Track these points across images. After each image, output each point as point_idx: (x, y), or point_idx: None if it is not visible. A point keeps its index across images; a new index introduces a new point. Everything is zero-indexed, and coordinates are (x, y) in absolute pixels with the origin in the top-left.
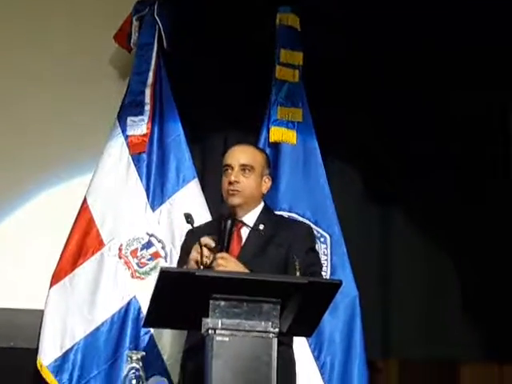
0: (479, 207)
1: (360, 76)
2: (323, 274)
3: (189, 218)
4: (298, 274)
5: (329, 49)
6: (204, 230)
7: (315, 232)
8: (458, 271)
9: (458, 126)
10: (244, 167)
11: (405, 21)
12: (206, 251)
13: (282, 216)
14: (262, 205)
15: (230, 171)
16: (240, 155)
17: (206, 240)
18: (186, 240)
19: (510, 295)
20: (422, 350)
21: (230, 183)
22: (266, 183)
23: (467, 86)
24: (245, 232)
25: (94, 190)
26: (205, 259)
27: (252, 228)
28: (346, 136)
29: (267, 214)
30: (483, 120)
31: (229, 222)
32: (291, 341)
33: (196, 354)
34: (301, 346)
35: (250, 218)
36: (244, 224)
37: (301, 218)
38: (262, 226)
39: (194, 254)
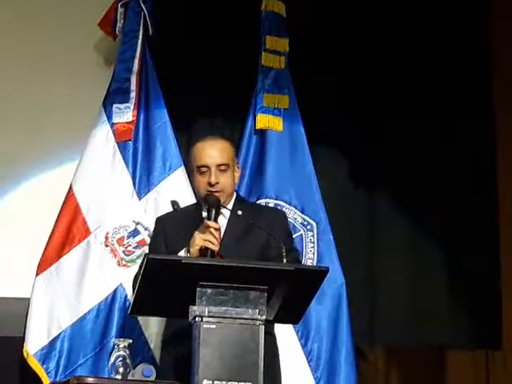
0: (466, 191)
1: (346, 62)
2: (310, 261)
3: (175, 205)
4: (284, 261)
5: (314, 35)
6: (175, 217)
7: (301, 219)
8: (445, 257)
9: (446, 106)
10: (221, 167)
11: (392, 9)
12: (217, 234)
13: (255, 203)
14: (234, 194)
15: (207, 172)
16: (215, 154)
17: (212, 223)
18: (156, 228)
19: (497, 282)
20: (409, 337)
21: (211, 184)
22: (238, 173)
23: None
24: (222, 220)
25: (80, 177)
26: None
27: (231, 211)
28: (333, 122)
29: (241, 202)
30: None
31: (213, 210)
32: (272, 328)
33: (176, 343)
34: (288, 334)
35: (227, 206)
36: (225, 208)
37: (287, 206)
38: (240, 212)
39: (200, 241)
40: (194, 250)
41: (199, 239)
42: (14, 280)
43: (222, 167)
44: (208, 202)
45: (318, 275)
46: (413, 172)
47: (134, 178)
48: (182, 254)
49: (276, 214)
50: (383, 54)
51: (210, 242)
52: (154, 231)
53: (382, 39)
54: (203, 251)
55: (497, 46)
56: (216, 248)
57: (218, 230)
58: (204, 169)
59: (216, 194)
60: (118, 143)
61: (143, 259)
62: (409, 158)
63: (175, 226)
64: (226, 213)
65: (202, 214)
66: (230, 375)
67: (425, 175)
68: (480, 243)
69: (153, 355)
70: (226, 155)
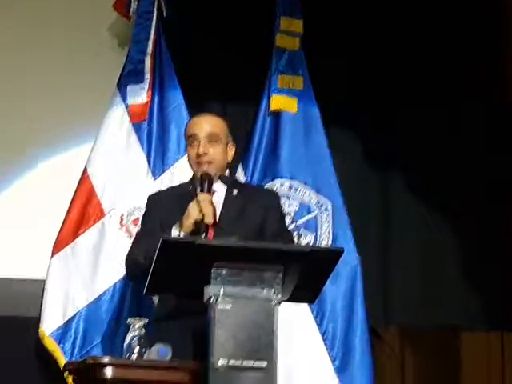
0: (480, 170)
1: (360, 43)
2: (324, 242)
3: (190, 185)
4: (297, 242)
5: (329, 16)
6: (167, 194)
7: (317, 200)
8: (459, 237)
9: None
10: (211, 138)
11: None
12: (211, 207)
13: (248, 183)
14: (227, 172)
15: (196, 143)
16: (205, 125)
17: (206, 196)
18: (148, 206)
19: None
20: (424, 318)
21: (199, 155)
22: (231, 150)
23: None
24: (217, 197)
25: (95, 159)
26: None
27: (226, 190)
28: (347, 103)
29: (235, 181)
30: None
31: (206, 184)
32: None
33: (164, 325)
34: (303, 313)
35: (220, 186)
36: (221, 182)
37: (302, 186)
38: (235, 192)
39: (195, 214)
40: (189, 223)
41: (194, 212)
42: (30, 261)
43: (213, 139)
44: (202, 177)
45: (333, 256)
46: (427, 152)
47: (148, 158)
48: (175, 228)
49: (270, 194)
50: (397, 33)
51: (205, 214)
52: (145, 209)
53: (396, 20)
54: (197, 224)
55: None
56: (211, 221)
57: (212, 203)
58: (194, 140)
59: (204, 165)
60: (132, 124)
61: (136, 236)
62: (422, 139)
63: (168, 203)
64: (221, 192)
65: (195, 190)
66: (246, 355)
67: (439, 155)
68: (494, 223)
69: None
70: (218, 128)
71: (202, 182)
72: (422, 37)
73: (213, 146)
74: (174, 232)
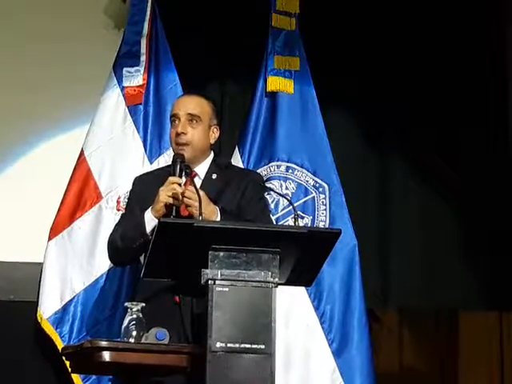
0: (477, 148)
1: (358, 22)
2: (322, 224)
3: (188, 169)
4: (296, 223)
5: None
6: (153, 176)
7: (313, 182)
8: (457, 218)
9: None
10: (191, 118)
11: None
12: (180, 189)
13: (233, 165)
14: (211, 155)
15: (177, 122)
16: (187, 105)
17: (175, 179)
18: (132, 188)
19: (510, 242)
20: (422, 299)
21: (178, 135)
22: (215, 133)
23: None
24: (197, 180)
25: (91, 142)
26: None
27: (205, 174)
28: (344, 84)
29: (220, 164)
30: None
31: (177, 166)
32: None
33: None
34: (300, 296)
35: (201, 169)
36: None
37: (299, 168)
38: (214, 176)
39: (164, 197)
40: (159, 206)
41: (163, 196)
42: (27, 245)
43: (193, 119)
44: (174, 159)
45: (330, 237)
46: (425, 130)
47: (144, 141)
48: (148, 212)
49: (253, 175)
50: (394, 11)
51: (174, 197)
52: (130, 191)
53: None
54: (168, 207)
55: None
56: (179, 203)
57: (186, 185)
58: (175, 119)
59: (182, 146)
60: (128, 107)
61: (120, 219)
62: (421, 117)
63: (149, 185)
64: (202, 175)
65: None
66: (243, 338)
67: (436, 133)
68: (494, 204)
69: None
70: (200, 109)
71: (173, 164)
72: (418, 19)
73: (192, 127)
74: (147, 215)
